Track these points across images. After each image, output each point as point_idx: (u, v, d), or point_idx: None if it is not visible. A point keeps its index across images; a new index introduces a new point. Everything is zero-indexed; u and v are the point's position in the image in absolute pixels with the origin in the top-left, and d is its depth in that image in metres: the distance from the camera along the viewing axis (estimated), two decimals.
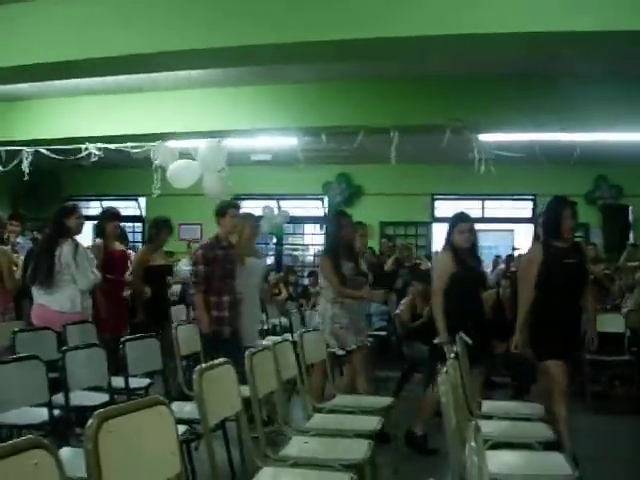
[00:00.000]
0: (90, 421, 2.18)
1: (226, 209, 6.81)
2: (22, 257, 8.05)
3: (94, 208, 16.99)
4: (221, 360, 3.71)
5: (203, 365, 3.35)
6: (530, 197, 14.84)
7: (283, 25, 5.57)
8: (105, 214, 7.76)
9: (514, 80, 7.88)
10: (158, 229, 8.10)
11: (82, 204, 16.48)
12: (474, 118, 8.13)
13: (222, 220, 6.72)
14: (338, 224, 6.67)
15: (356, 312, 6.51)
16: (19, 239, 9.65)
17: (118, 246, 7.70)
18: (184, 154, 9.39)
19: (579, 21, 5.00)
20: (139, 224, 16.59)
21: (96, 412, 2.23)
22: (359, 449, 3.93)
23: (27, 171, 9.85)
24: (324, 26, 5.48)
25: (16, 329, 5.69)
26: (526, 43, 5.58)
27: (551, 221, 5.62)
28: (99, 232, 7.50)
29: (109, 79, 7.84)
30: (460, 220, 6.00)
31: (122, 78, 7.87)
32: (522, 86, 7.91)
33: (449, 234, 6.00)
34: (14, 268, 7.15)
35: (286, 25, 5.57)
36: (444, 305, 5.76)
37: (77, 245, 6.64)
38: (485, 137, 8.81)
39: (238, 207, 7.21)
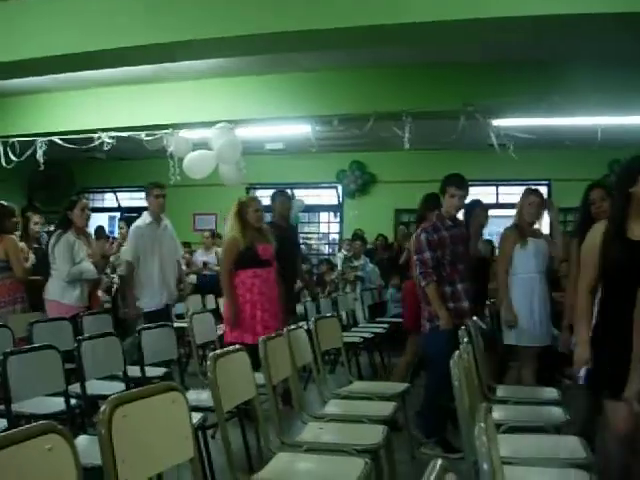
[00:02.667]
0: (104, 406, 2.21)
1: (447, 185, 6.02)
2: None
3: (109, 200, 17.12)
4: (235, 347, 3.73)
5: (217, 352, 3.36)
6: (545, 182, 14.76)
7: (299, 13, 5.59)
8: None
9: (528, 64, 7.83)
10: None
11: (97, 196, 16.78)
12: (488, 103, 8.09)
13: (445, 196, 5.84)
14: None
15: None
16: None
17: None
18: (198, 144, 9.40)
19: (592, 3, 4.99)
20: None
21: (109, 398, 2.26)
22: (374, 434, 3.94)
23: (41, 161, 9.88)
24: (339, 14, 5.48)
25: (32, 320, 5.75)
26: (538, 27, 5.56)
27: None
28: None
29: (121, 70, 7.84)
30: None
31: (134, 69, 7.88)
32: (536, 70, 7.86)
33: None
34: (23, 257, 7.17)
35: (302, 13, 5.59)
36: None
37: (62, 235, 6.77)
38: (499, 122, 8.77)
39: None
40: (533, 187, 6.51)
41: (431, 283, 5.67)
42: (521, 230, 6.28)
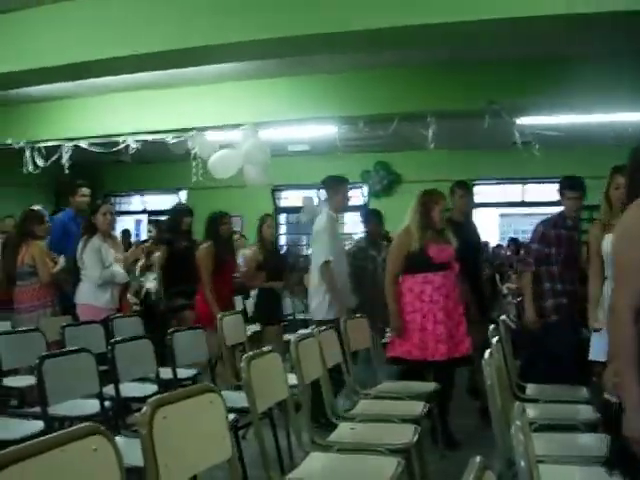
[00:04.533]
0: (145, 408, 2.25)
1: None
2: None
3: (135, 203, 17.24)
4: (267, 348, 3.77)
5: (250, 353, 3.40)
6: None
7: (324, 16, 5.63)
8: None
9: (551, 62, 7.82)
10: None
11: (123, 200, 16.88)
12: (512, 102, 8.09)
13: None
14: None
15: None
16: None
17: None
18: (223, 146, 9.46)
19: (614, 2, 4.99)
20: None
21: (150, 399, 2.30)
22: (406, 434, 3.96)
23: (67, 165, 9.99)
24: (362, 16, 5.51)
25: (64, 323, 5.83)
26: (561, 25, 5.57)
27: None
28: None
29: (146, 74, 7.91)
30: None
31: (159, 74, 7.95)
32: (560, 68, 7.84)
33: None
34: (49, 263, 7.25)
35: (326, 16, 5.62)
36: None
37: (88, 240, 6.84)
38: (524, 120, 8.76)
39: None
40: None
41: (525, 272, 5.78)
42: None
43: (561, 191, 5.80)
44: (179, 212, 7.98)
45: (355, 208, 15.75)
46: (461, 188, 6.76)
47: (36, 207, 7.42)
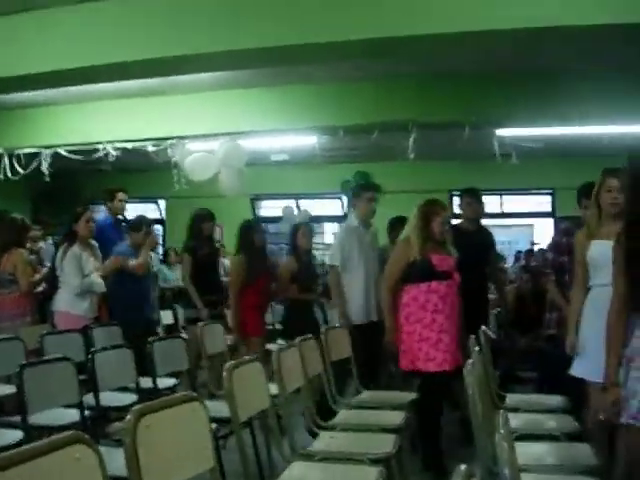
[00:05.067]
0: (128, 416, 2.24)
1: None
2: (48, 263, 8.11)
3: None
4: (249, 357, 3.77)
5: (232, 362, 3.39)
6: (548, 191, 14.80)
7: (306, 26, 5.63)
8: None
9: (532, 74, 7.89)
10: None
11: (102, 208, 16.81)
12: (492, 113, 8.15)
13: None
14: None
15: None
16: (41, 244, 9.75)
17: None
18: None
19: (595, 14, 5.04)
20: (159, 226, 16.67)
21: (134, 408, 2.29)
22: (386, 444, 3.97)
23: (46, 173, 9.94)
24: (343, 27, 5.52)
25: (44, 332, 5.80)
26: (542, 38, 5.61)
27: None
28: None
29: (126, 83, 7.89)
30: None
31: (140, 82, 7.93)
32: (540, 80, 7.91)
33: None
34: (31, 271, 7.21)
35: (309, 26, 5.63)
36: None
37: (68, 248, 6.81)
38: (503, 132, 8.83)
39: None
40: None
41: (548, 282, 5.82)
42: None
43: (579, 199, 5.71)
44: (200, 217, 7.71)
45: (333, 219, 15.83)
46: (469, 195, 6.79)
47: (17, 215, 7.37)
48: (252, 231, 7.22)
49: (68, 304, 6.78)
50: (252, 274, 6.97)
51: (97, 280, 6.90)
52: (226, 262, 10.65)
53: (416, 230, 5.52)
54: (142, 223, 7.42)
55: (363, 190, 6.87)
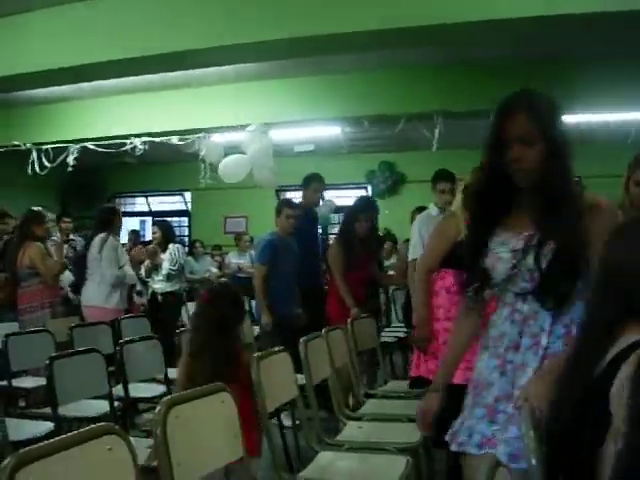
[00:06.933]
0: (158, 407, 2.27)
1: None
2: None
3: (140, 204, 17.27)
4: (277, 348, 3.79)
5: (259, 353, 3.41)
6: (575, 179, 14.71)
7: (331, 16, 5.64)
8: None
9: (558, 61, 7.84)
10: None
11: (128, 200, 16.94)
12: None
13: None
14: None
15: None
16: (72, 236, 9.83)
17: None
18: (230, 147, 9.49)
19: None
20: (185, 218, 16.76)
21: (163, 399, 2.32)
22: (413, 433, 3.96)
23: (73, 166, 10.02)
24: (370, 17, 5.53)
25: (73, 324, 5.86)
26: (564, 26, 5.60)
27: None
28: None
29: (152, 76, 7.94)
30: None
31: (165, 75, 7.98)
32: (566, 67, 7.86)
33: None
34: (51, 262, 7.20)
35: (334, 16, 5.64)
36: None
37: (107, 239, 6.88)
38: None
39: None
40: None
41: None
42: None
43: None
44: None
45: None
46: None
47: (36, 208, 7.38)
48: (354, 219, 6.68)
49: (100, 298, 6.83)
50: (349, 261, 6.55)
51: (130, 272, 6.97)
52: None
53: (461, 203, 4.36)
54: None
55: (436, 181, 6.36)
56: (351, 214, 6.71)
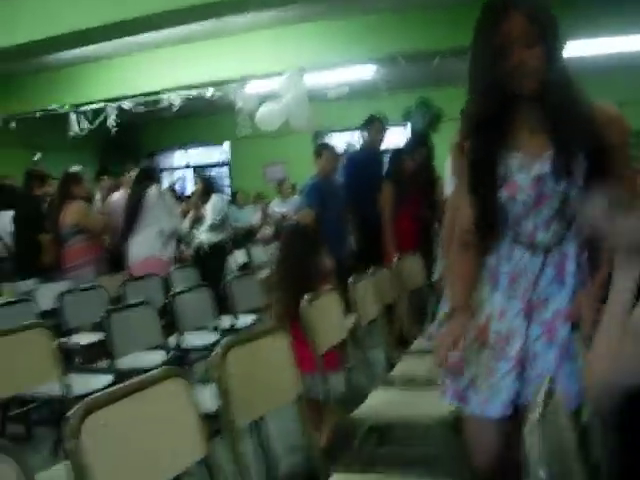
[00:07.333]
0: (215, 351, 2.32)
1: None
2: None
3: (179, 158, 17.34)
4: (326, 289, 3.81)
5: (309, 295, 3.42)
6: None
7: None
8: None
9: None
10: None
11: (167, 154, 17.00)
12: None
13: None
14: None
15: None
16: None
17: None
18: (265, 97, 9.47)
19: None
20: (225, 169, 16.80)
21: (221, 342, 2.37)
22: None
23: (113, 126, 10.09)
24: None
25: (125, 278, 5.96)
26: None
27: None
28: None
29: (182, 29, 7.91)
30: None
31: (195, 27, 7.94)
32: None
33: None
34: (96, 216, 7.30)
35: None
36: None
37: (159, 190, 6.97)
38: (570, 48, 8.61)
39: None
40: None
41: None
42: None
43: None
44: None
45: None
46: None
47: (74, 168, 7.45)
48: (400, 158, 6.76)
49: (157, 248, 6.92)
50: (398, 200, 6.59)
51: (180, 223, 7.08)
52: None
53: None
54: None
55: None
56: (396, 154, 6.72)
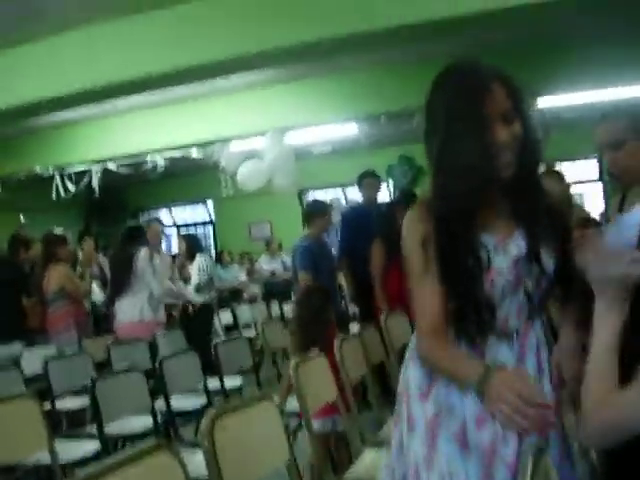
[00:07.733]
0: (204, 420, 2.30)
1: None
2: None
3: (163, 217, 17.39)
4: (313, 353, 3.81)
5: (297, 359, 3.42)
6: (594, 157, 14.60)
7: (335, 19, 5.65)
8: None
9: (572, 40, 7.80)
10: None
11: (152, 214, 17.08)
12: (533, 82, 8.07)
13: None
14: None
15: None
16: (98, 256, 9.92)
17: None
18: (249, 155, 9.54)
19: None
20: (209, 227, 16.85)
21: (209, 411, 2.35)
22: None
23: (97, 187, 10.13)
24: (375, 15, 5.53)
25: (109, 342, 5.92)
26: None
27: None
28: None
29: (167, 91, 7.97)
30: None
31: (180, 89, 8.00)
32: (581, 44, 7.82)
33: None
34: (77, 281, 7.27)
35: (336, 19, 5.64)
36: None
37: (153, 253, 6.92)
38: (545, 101, 8.74)
39: None
40: None
41: None
42: None
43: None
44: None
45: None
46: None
47: (57, 230, 7.44)
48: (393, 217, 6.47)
49: (150, 311, 6.85)
50: (388, 260, 6.49)
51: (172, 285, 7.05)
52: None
53: None
54: None
55: None
56: (386, 211, 6.79)
